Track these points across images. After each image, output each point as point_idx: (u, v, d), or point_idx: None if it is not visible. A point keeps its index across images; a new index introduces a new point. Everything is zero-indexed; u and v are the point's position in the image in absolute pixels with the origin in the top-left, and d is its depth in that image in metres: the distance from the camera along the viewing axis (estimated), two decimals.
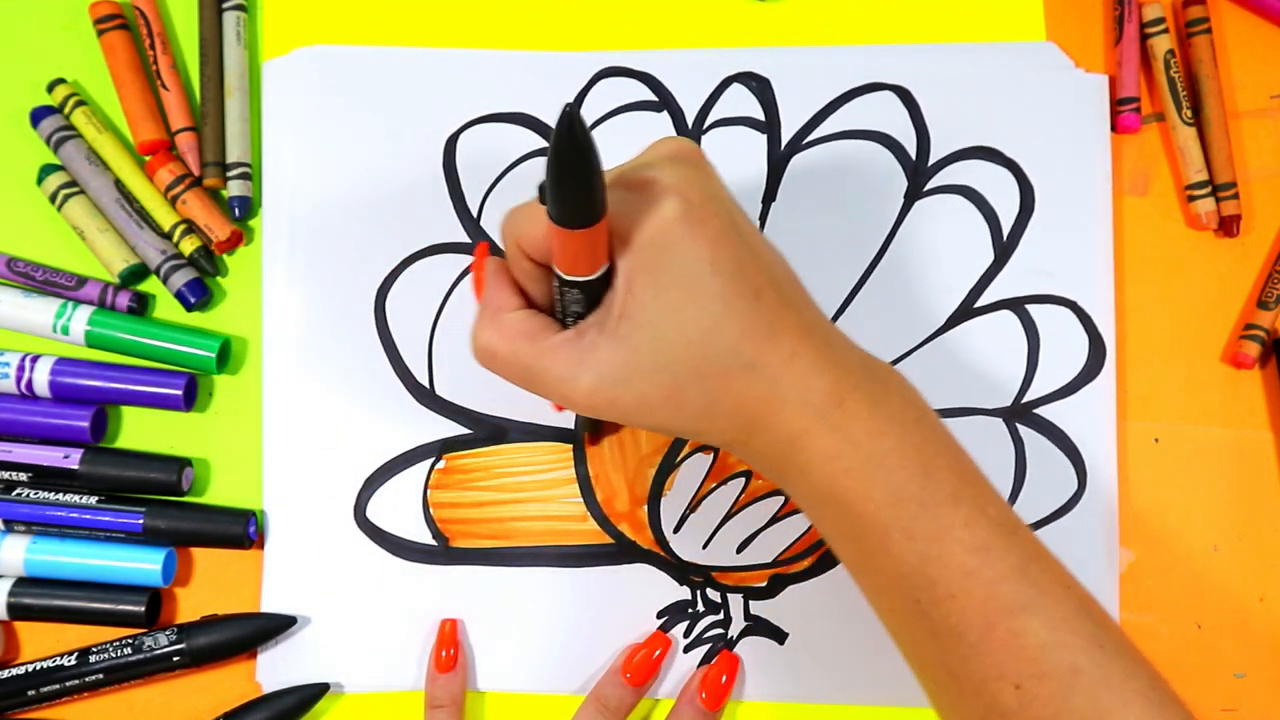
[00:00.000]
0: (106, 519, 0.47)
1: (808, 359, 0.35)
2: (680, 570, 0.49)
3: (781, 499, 0.49)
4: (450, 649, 0.47)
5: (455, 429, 0.49)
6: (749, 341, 0.35)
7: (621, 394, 0.35)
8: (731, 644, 0.48)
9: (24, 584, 0.47)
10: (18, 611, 0.47)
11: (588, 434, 0.49)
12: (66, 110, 0.51)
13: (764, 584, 0.49)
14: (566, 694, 0.48)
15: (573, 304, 0.36)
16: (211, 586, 0.49)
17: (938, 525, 0.35)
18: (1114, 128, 0.51)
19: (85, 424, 0.48)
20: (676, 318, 0.34)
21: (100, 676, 0.46)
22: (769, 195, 0.51)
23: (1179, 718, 0.35)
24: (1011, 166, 0.51)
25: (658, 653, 0.47)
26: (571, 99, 0.51)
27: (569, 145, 0.30)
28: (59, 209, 0.51)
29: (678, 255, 0.34)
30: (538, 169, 0.51)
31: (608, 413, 0.36)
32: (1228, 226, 0.51)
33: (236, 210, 0.51)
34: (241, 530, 0.48)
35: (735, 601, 0.49)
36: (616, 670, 0.47)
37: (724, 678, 0.47)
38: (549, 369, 0.36)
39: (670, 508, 0.49)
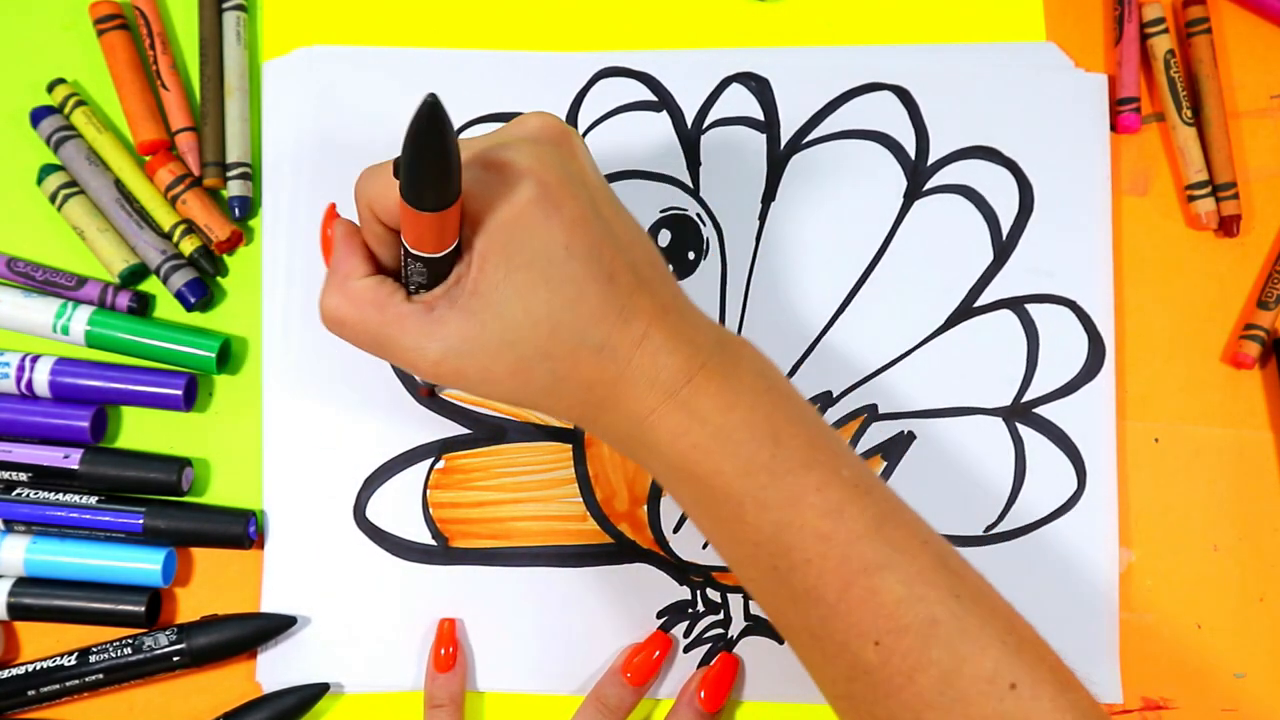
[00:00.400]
0: (106, 519, 0.47)
1: (659, 339, 0.36)
2: (680, 570, 0.49)
3: None
4: (449, 648, 0.47)
5: (455, 429, 0.49)
6: (600, 325, 0.35)
7: (467, 366, 0.36)
8: (731, 644, 0.48)
9: (24, 584, 0.47)
10: (18, 611, 0.47)
11: (422, 387, 0.49)
12: (66, 110, 0.51)
13: None
14: (566, 694, 0.48)
15: (416, 275, 0.36)
16: (211, 586, 0.49)
17: (790, 492, 0.35)
18: (1114, 128, 0.51)
19: (85, 424, 0.48)
20: (526, 299, 0.35)
21: (100, 676, 0.46)
22: (769, 195, 0.51)
23: (1036, 658, 0.35)
24: (1011, 166, 0.51)
25: (657, 653, 0.47)
26: (571, 99, 0.51)
27: (427, 132, 0.30)
28: (59, 209, 0.51)
29: (532, 238, 0.35)
30: None
31: (454, 383, 0.36)
32: (1228, 226, 0.51)
33: (236, 210, 0.51)
34: (241, 530, 0.48)
35: (735, 601, 0.49)
36: (616, 670, 0.47)
37: (723, 680, 0.47)
38: (397, 338, 0.36)
39: (670, 507, 0.49)
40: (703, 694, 0.46)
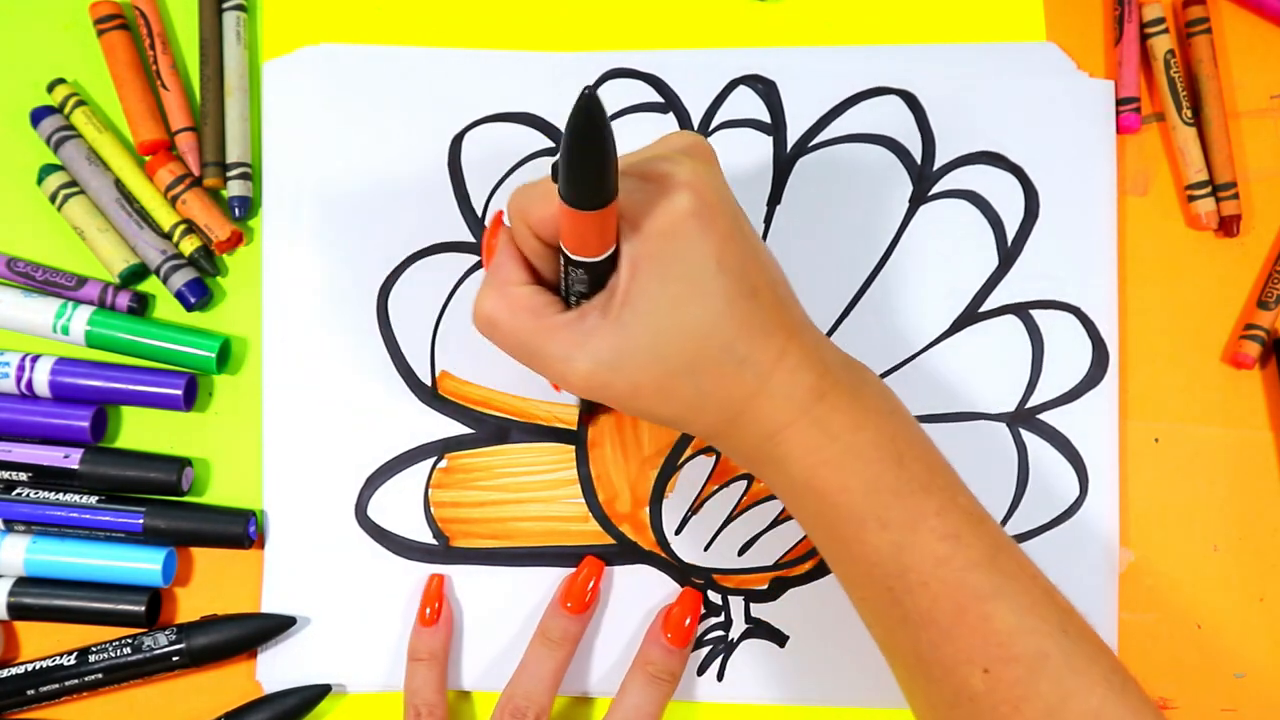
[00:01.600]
0: (106, 519, 0.47)
1: (796, 357, 0.36)
2: (681, 572, 0.49)
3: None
4: (435, 604, 0.47)
5: (457, 428, 0.49)
6: (744, 339, 0.36)
7: (615, 379, 0.36)
8: (732, 646, 0.48)
9: (24, 584, 0.47)
10: (18, 611, 0.47)
11: (583, 413, 0.49)
12: (66, 110, 0.51)
13: (765, 587, 0.49)
14: (566, 694, 0.48)
15: (577, 283, 0.37)
16: (211, 586, 0.49)
17: (911, 514, 0.36)
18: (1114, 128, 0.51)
19: (85, 424, 0.48)
20: (677, 311, 0.35)
21: (100, 676, 0.46)
22: (774, 198, 0.50)
23: (1139, 701, 0.35)
24: (1016, 172, 0.51)
25: (593, 582, 0.47)
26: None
27: (586, 127, 0.30)
28: (59, 209, 0.51)
29: (686, 250, 0.35)
30: (543, 169, 0.51)
31: (600, 395, 0.37)
32: (1228, 226, 0.51)
33: (236, 210, 0.50)
34: (241, 530, 0.48)
35: (736, 604, 0.49)
36: (555, 603, 0.47)
37: (685, 613, 0.47)
38: (548, 348, 0.36)
39: (672, 509, 0.49)
40: (669, 634, 0.46)
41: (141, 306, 0.50)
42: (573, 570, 0.48)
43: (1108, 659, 0.36)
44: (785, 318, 0.37)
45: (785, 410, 0.36)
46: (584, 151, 0.31)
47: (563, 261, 0.36)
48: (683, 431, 0.39)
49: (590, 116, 0.30)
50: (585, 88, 0.30)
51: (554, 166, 0.33)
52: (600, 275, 0.36)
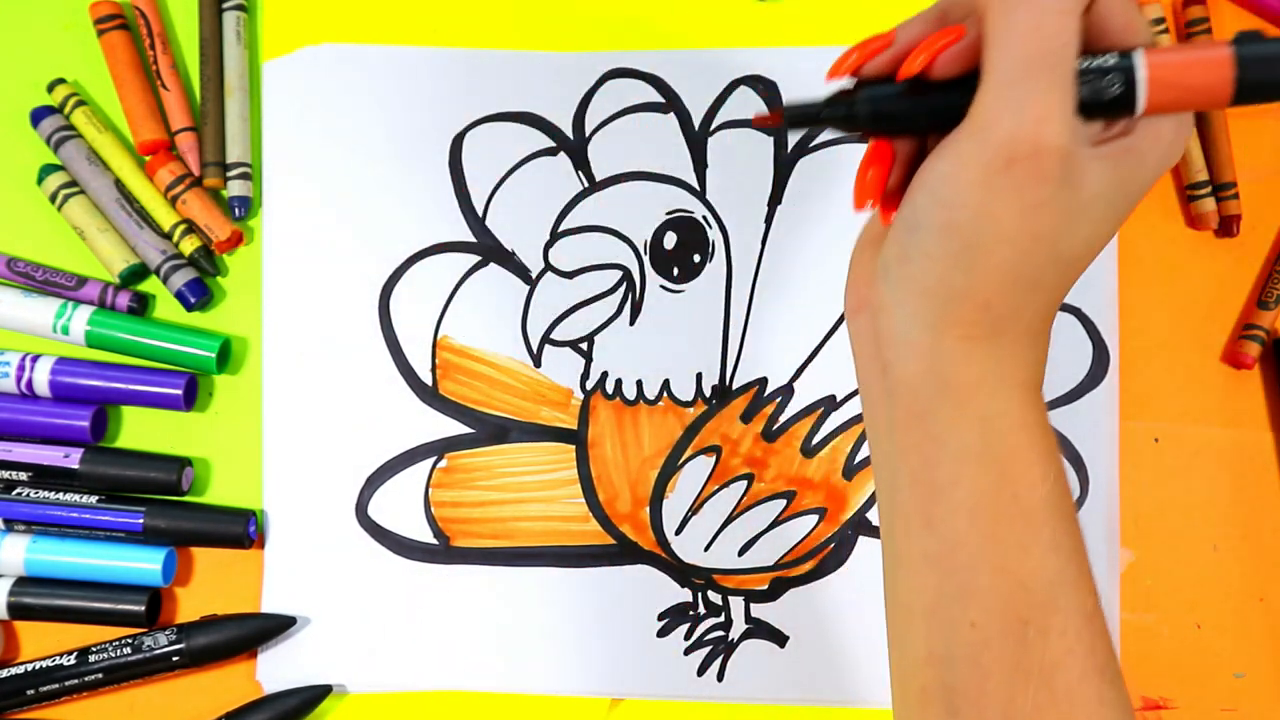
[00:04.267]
0: (106, 519, 0.47)
1: (1046, 343, 0.34)
2: (681, 572, 0.49)
3: (784, 502, 0.49)
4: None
5: (457, 428, 0.49)
6: (1071, 281, 0.32)
7: (1044, 181, 0.29)
8: (733, 647, 0.48)
9: (24, 583, 0.47)
10: (18, 611, 0.47)
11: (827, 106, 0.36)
12: (66, 110, 0.51)
13: (765, 587, 0.49)
14: (566, 694, 0.48)
15: (1111, 87, 0.30)
16: (211, 586, 0.49)
17: (1079, 553, 0.31)
18: None
19: (85, 424, 0.48)
20: (1112, 212, 0.30)
21: (100, 676, 0.46)
22: (775, 198, 0.50)
23: None
24: None
25: None
26: (579, 100, 0.51)
27: None
28: (59, 209, 0.51)
29: (1152, 176, 0.31)
30: (543, 169, 0.51)
31: (1013, 172, 0.29)
32: (1228, 226, 0.51)
33: (236, 210, 0.50)
34: (241, 530, 0.48)
35: (736, 604, 0.49)
36: None
37: None
38: (1062, 89, 0.28)
39: (672, 510, 0.49)
40: None
41: (141, 306, 0.50)
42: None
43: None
44: None
45: (1030, 369, 0.32)
46: None
47: (1112, 63, 0.30)
48: (934, 288, 0.31)
49: None
50: None
51: (1247, 39, 0.29)
52: (1118, 109, 0.30)
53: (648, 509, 0.49)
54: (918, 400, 0.32)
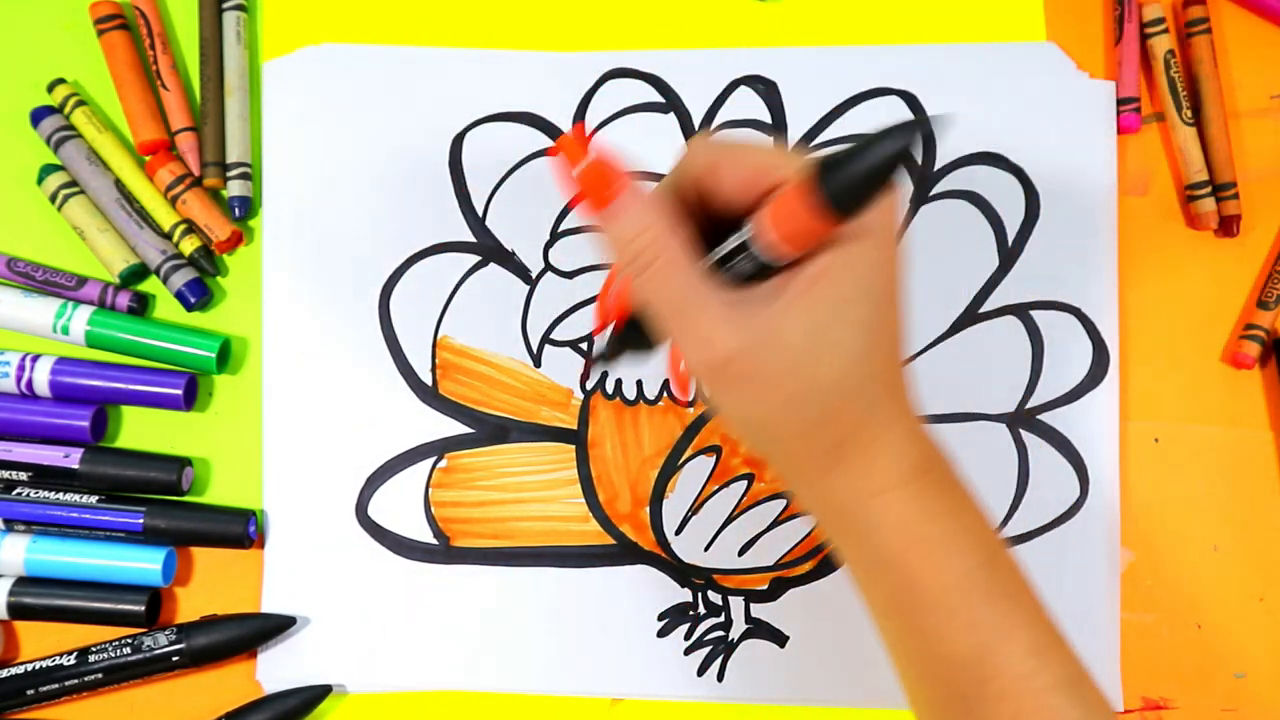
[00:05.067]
0: (106, 518, 0.47)
1: (909, 424, 0.34)
2: (681, 572, 0.49)
3: (783, 503, 0.49)
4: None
5: (457, 428, 0.49)
6: (878, 385, 0.33)
7: (756, 370, 0.32)
8: (733, 646, 0.48)
9: (24, 583, 0.47)
10: (18, 611, 0.47)
11: (602, 357, 0.43)
12: (66, 110, 0.51)
13: (765, 587, 0.49)
14: (567, 694, 0.48)
15: (745, 263, 0.33)
16: (211, 586, 0.49)
17: (1003, 620, 0.33)
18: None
19: (85, 424, 0.48)
20: (840, 331, 0.32)
21: (100, 676, 0.46)
22: None
23: None
24: (1017, 173, 0.51)
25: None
26: (578, 100, 0.51)
27: (907, 152, 0.29)
28: (59, 209, 0.51)
29: (872, 274, 0.33)
30: (543, 169, 0.51)
31: (726, 382, 0.33)
32: (1228, 226, 0.51)
33: (236, 210, 0.50)
34: (241, 530, 0.48)
35: (736, 604, 0.49)
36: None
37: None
38: (697, 313, 0.33)
39: (672, 510, 0.49)
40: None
41: (141, 306, 0.50)
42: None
43: None
44: (906, 384, 0.35)
45: (889, 474, 0.33)
46: (886, 168, 0.29)
47: (743, 237, 0.33)
48: (774, 457, 0.36)
49: (916, 144, 0.28)
50: (923, 119, 0.29)
51: (824, 161, 0.30)
52: (766, 273, 0.33)
53: (648, 509, 0.49)
54: (822, 525, 0.36)
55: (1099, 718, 0.33)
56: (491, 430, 0.49)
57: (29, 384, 0.48)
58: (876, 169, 0.29)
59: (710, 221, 0.35)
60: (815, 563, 0.49)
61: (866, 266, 0.33)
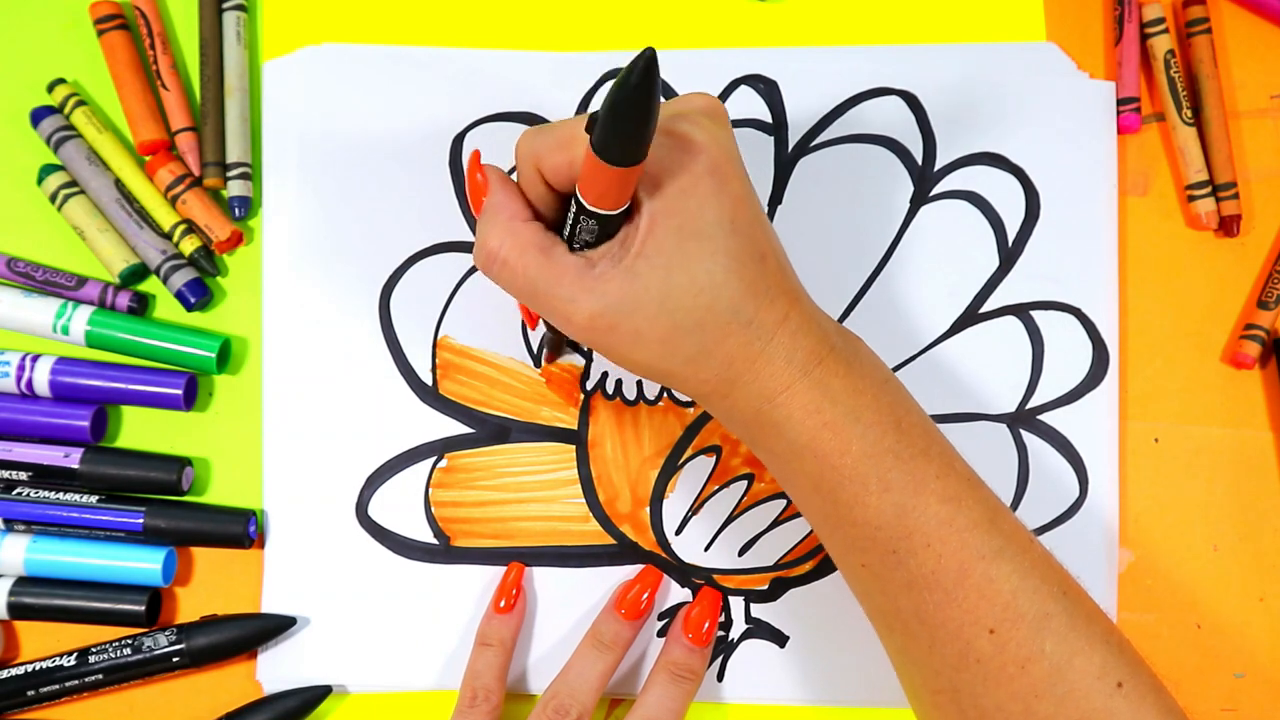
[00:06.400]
0: (106, 518, 0.47)
1: (796, 320, 0.37)
2: (682, 572, 0.49)
3: (784, 502, 0.49)
4: (513, 592, 0.47)
5: (457, 428, 0.49)
6: (750, 300, 0.36)
7: (621, 325, 0.36)
8: (732, 647, 0.48)
9: (24, 583, 0.47)
10: (18, 611, 0.47)
11: (547, 351, 0.50)
12: (66, 110, 0.51)
13: (765, 587, 0.49)
14: None
15: (585, 232, 0.37)
16: (211, 586, 0.49)
17: (913, 477, 0.36)
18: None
19: (85, 423, 0.48)
20: (691, 267, 0.36)
21: (100, 677, 0.46)
22: (775, 198, 0.51)
23: (1137, 660, 0.37)
24: (1018, 173, 0.51)
25: (647, 594, 0.47)
26: (579, 100, 0.51)
27: (643, 84, 0.30)
28: (59, 209, 0.51)
29: (704, 209, 0.36)
30: None
31: (602, 340, 0.37)
32: (1228, 226, 0.51)
33: (236, 210, 0.50)
34: (241, 530, 0.48)
35: (736, 604, 0.49)
36: (610, 607, 0.47)
37: (705, 614, 0.47)
38: (554, 288, 0.37)
39: (672, 509, 0.49)
40: (689, 635, 0.46)
41: (141, 306, 0.50)
42: (627, 579, 0.48)
43: (1105, 620, 0.37)
44: (787, 283, 0.38)
45: (786, 372, 0.36)
46: (633, 109, 0.31)
47: (574, 209, 0.36)
48: (675, 389, 0.40)
49: (648, 75, 0.30)
50: (648, 48, 0.30)
51: (591, 118, 0.33)
52: (610, 228, 0.37)
53: (648, 509, 0.49)
54: (738, 436, 0.40)
55: (1017, 542, 0.37)
56: (492, 430, 0.49)
57: (29, 384, 0.48)
58: (618, 112, 0.31)
59: (564, 200, 0.38)
60: (815, 563, 0.49)
61: (696, 201, 0.36)
